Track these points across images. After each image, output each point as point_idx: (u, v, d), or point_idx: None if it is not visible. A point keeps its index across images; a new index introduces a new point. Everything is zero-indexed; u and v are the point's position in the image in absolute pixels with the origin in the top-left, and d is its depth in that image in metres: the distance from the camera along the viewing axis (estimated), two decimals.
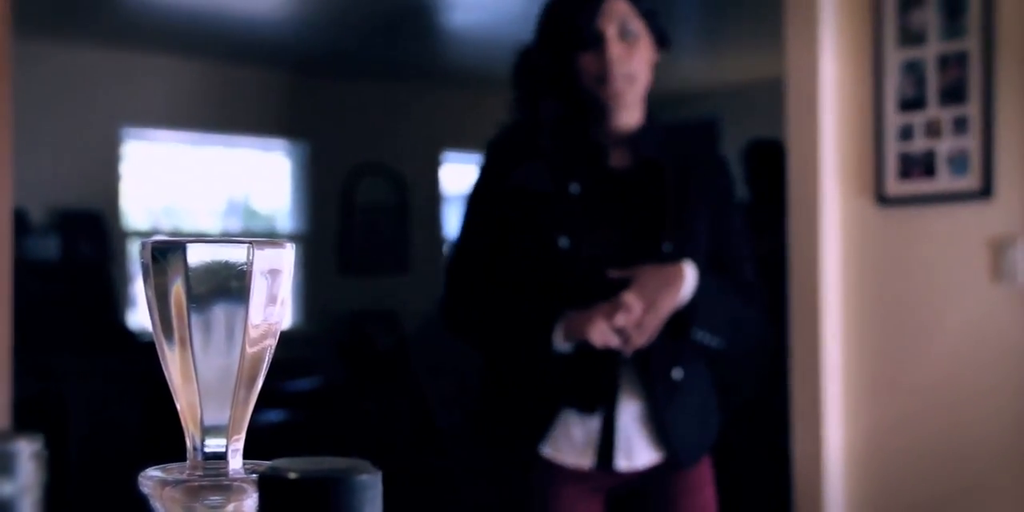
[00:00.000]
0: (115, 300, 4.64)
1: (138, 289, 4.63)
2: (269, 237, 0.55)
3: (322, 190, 5.60)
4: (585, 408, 1.56)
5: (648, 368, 1.57)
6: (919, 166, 2.27)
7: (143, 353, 3.76)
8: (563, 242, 1.56)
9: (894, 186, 2.30)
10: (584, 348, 1.53)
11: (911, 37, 2.28)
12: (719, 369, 1.71)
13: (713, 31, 4.95)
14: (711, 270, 1.59)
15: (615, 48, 1.56)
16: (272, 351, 0.51)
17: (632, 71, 1.58)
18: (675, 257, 1.56)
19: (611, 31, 1.57)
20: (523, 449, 1.58)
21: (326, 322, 5.41)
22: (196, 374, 0.49)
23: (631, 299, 1.49)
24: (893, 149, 2.30)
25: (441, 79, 5.62)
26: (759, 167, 3.56)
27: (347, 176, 5.64)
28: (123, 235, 4.97)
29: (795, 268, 2.41)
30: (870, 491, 2.35)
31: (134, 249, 4.79)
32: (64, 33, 4.57)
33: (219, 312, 0.49)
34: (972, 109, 2.19)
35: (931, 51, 2.25)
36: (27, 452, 0.44)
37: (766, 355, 2.84)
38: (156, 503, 0.48)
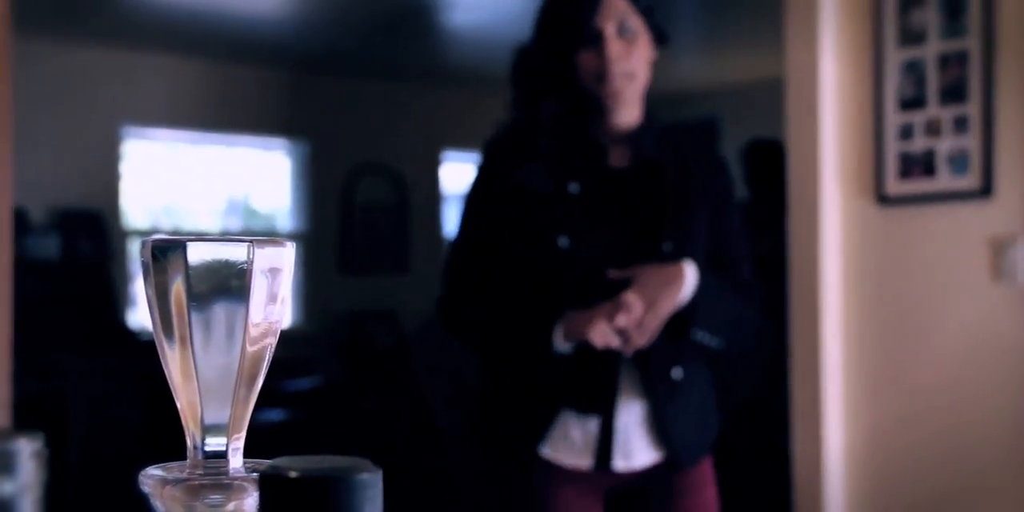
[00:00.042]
0: (115, 299, 4.64)
1: (138, 288, 4.63)
2: (269, 236, 0.55)
3: (322, 189, 5.60)
4: (584, 409, 1.55)
5: (648, 368, 1.57)
6: (919, 165, 2.27)
7: (143, 352, 3.76)
8: (563, 242, 1.56)
9: (894, 185, 2.30)
10: (584, 349, 1.52)
11: (911, 37, 2.28)
12: (719, 369, 1.71)
13: (713, 31, 4.95)
14: (710, 270, 1.59)
15: (614, 46, 1.56)
16: (272, 350, 0.51)
17: (631, 69, 1.58)
18: (675, 256, 1.55)
19: (610, 29, 1.56)
20: (522, 449, 1.58)
21: (326, 321, 5.41)
22: (196, 373, 0.49)
23: (632, 299, 1.48)
24: (893, 148, 2.30)
25: (441, 79, 5.62)
26: (758, 166, 3.56)
27: (347, 175, 5.64)
28: (123, 234, 4.97)
29: (795, 268, 2.41)
30: (870, 491, 2.35)
31: (134, 248, 4.79)
32: (64, 32, 4.57)
33: (219, 311, 0.49)
34: (972, 108, 2.19)
35: (931, 50, 2.25)
36: (27, 451, 0.43)
37: (765, 355, 2.84)
38: (156, 502, 0.48)
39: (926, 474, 2.26)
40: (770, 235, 2.73)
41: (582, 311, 1.52)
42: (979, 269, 2.20)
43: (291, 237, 5.43)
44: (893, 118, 2.30)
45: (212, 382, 0.49)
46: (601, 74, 1.57)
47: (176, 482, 0.48)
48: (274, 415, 4.31)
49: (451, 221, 5.86)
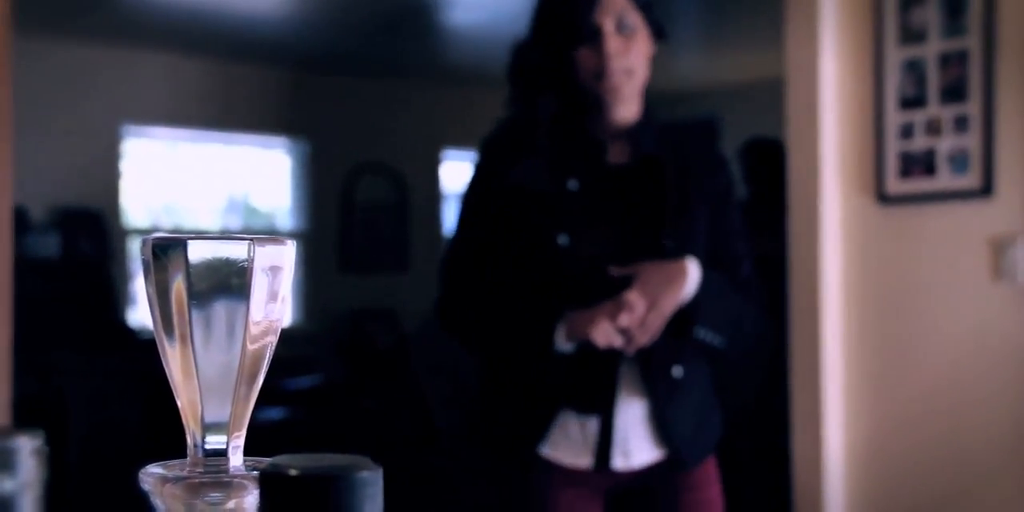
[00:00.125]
0: (116, 298, 4.64)
1: (139, 287, 4.63)
2: (269, 235, 0.55)
3: (322, 188, 5.60)
4: (584, 408, 1.55)
5: (648, 366, 1.56)
6: (920, 165, 2.27)
7: (144, 350, 3.76)
8: (562, 240, 1.55)
9: (894, 185, 2.30)
10: (586, 348, 1.51)
11: (912, 35, 2.27)
12: (720, 368, 1.71)
13: (713, 29, 4.95)
14: (710, 268, 1.58)
15: (613, 42, 1.55)
16: (273, 348, 0.51)
17: (630, 65, 1.57)
18: (676, 253, 1.54)
19: (608, 25, 1.55)
20: (522, 449, 1.57)
21: (326, 320, 5.41)
22: (197, 371, 0.49)
23: (634, 298, 1.47)
24: (894, 148, 2.30)
25: (441, 77, 5.62)
26: (756, 166, 3.56)
27: (347, 174, 5.64)
28: (123, 233, 4.97)
29: (795, 267, 2.41)
30: (870, 492, 2.35)
31: (134, 247, 4.79)
32: (64, 30, 4.56)
33: (220, 309, 0.49)
34: (973, 107, 2.19)
35: (932, 49, 2.25)
36: (28, 448, 0.43)
37: (766, 354, 2.83)
38: (157, 500, 0.48)
39: (926, 475, 2.26)
40: (769, 235, 2.73)
41: (584, 310, 1.50)
42: (979, 269, 2.19)
43: (291, 236, 5.42)
44: (893, 117, 2.30)
45: (212, 380, 0.49)
46: (600, 71, 1.56)
47: (176, 480, 0.48)
48: (274, 414, 4.31)
49: (451, 220, 5.85)
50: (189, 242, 0.48)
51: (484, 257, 1.63)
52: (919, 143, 2.27)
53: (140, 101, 4.98)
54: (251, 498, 0.48)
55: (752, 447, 3.07)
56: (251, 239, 0.49)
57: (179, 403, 0.50)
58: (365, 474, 0.39)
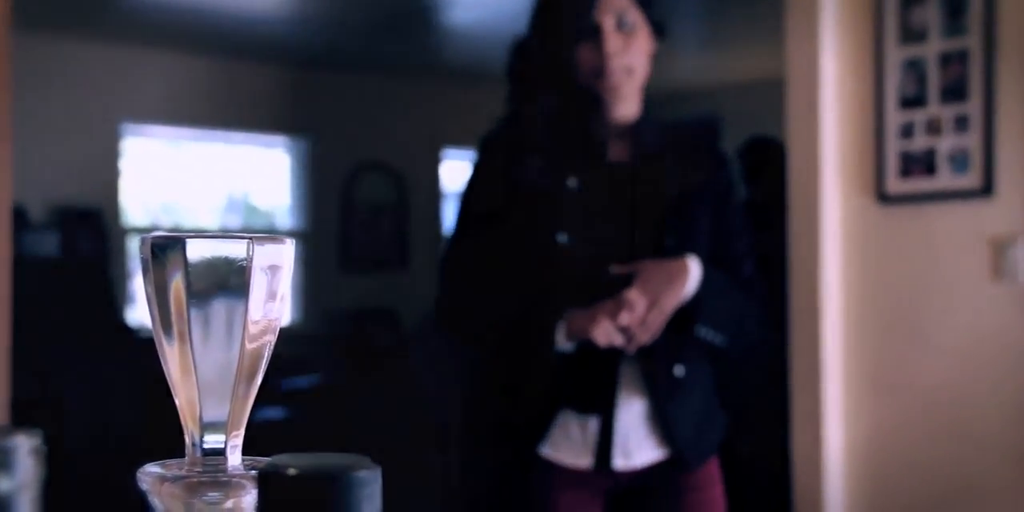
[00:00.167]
0: (114, 297, 4.63)
1: (138, 285, 4.63)
2: (269, 234, 0.55)
3: (322, 187, 5.60)
4: (585, 408, 1.54)
5: (649, 365, 1.55)
6: (920, 164, 2.26)
7: (142, 350, 3.75)
8: (562, 238, 1.54)
9: (895, 184, 2.30)
10: (586, 347, 1.51)
11: (912, 35, 2.27)
12: (721, 367, 1.70)
13: (713, 29, 4.95)
14: (712, 266, 1.57)
15: (613, 40, 1.54)
16: (272, 347, 0.51)
17: (630, 64, 1.56)
18: (677, 251, 1.54)
19: (608, 23, 1.54)
20: (522, 449, 1.57)
21: (326, 320, 5.41)
22: (195, 370, 0.49)
23: (634, 296, 1.47)
24: (894, 147, 2.30)
25: (442, 76, 5.62)
26: (755, 165, 3.56)
27: (347, 173, 5.64)
28: (122, 232, 4.97)
29: (795, 267, 2.41)
30: (870, 491, 2.35)
31: (133, 246, 4.78)
32: (64, 29, 4.56)
33: (219, 308, 0.48)
34: (973, 107, 2.19)
35: (932, 49, 2.24)
36: (25, 448, 0.42)
37: (767, 353, 2.83)
38: (155, 499, 0.48)
39: (926, 474, 2.26)
40: (768, 234, 2.73)
41: (584, 309, 1.50)
42: (980, 268, 2.19)
43: (291, 235, 5.41)
44: (894, 117, 2.30)
45: (211, 379, 0.49)
46: (599, 69, 1.55)
47: (174, 479, 0.48)
48: (273, 413, 4.30)
49: (451, 219, 5.85)
50: (188, 241, 0.48)
51: (483, 256, 1.63)
52: (919, 143, 2.26)
53: (139, 99, 4.97)
54: (249, 498, 0.48)
55: (752, 446, 3.07)
56: (250, 238, 0.48)
57: (177, 402, 0.50)
58: (363, 474, 0.39)
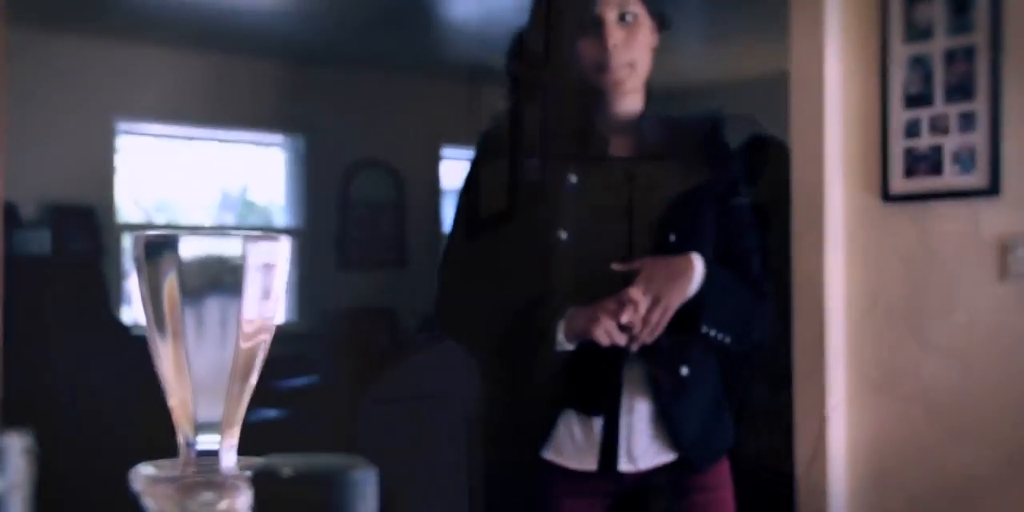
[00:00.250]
0: (108, 295, 4.61)
1: (132, 284, 4.61)
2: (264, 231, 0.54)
3: (319, 185, 5.58)
4: (588, 409, 1.52)
5: (654, 365, 1.52)
6: (925, 163, 2.24)
7: (136, 349, 3.73)
8: (563, 235, 1.52)
9: (899, 183, 2.28)
10: (588, 347, 1.48)
11: (918, 32, 2.25)
12: (729, 367, 1.67)
13: (717, 25, 4.93)
14: (718, 263, 1.54)
15: (615, 34, 1.51)
16: (267, 347, 0.51)
17: (633, 58, 1.53)
18: (681, 248, 1.51)
19: (610, 16, 1.51)
20: (525, 453, 1.54)
21: (323, 319, 5.39)
22: (189, 369, 0.49)
23: (636, 294, 1.44)
24: (899, 145, 2.28)
25: (440, 73, 5.60)
26: (754, 163, 3.54)
27: (344, 170, 5.62)
28: (116, 230, 4.94)
29: (799, 265, 2.39)
30: (873, 491, 2.33)
31: (127, 244, 4.76)
32: (57, 24, 4.53)
33: (213, 306, 0.48)
34: (979, 105, 2.17)
35: (938, 46, 2.22)
36: (17, 447, 0.43)
37: (772, 352, 2.81)
38: (148, 500, 0.48)
39: (930, 475, 2.24)
40: (767, 233, 2.71)
41: (585, 308, 1.47)
42: (985, 268, 2.17)
43: (287, 233, 5.39)
44: (899, 115, 2.27)
45: (205, 379, 0.49)
46: (602, 64, 1.52)
47: (168, 480, 0.48)
48: (269, 414, 4.28)
49: (449, 217, 5.83)
50: (181, 238, 0.47)
51: (482, 254, 1.60)
52: (925, 141, 2.24)
53: (133, 96, 4.95)
54: (244, 498, 0.48)
55: (753, 446, 3.05)
56: (244, 235, 0.48)
57: (171, 402, 0.50)
58: (359, 474, 0.39)
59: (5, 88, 2.09)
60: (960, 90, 2.19)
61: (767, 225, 2.74)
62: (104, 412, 3.95)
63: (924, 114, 2.24)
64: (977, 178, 2.17)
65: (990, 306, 2.17)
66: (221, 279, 0.48)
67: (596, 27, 1.52)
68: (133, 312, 4.71)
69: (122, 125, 5.00)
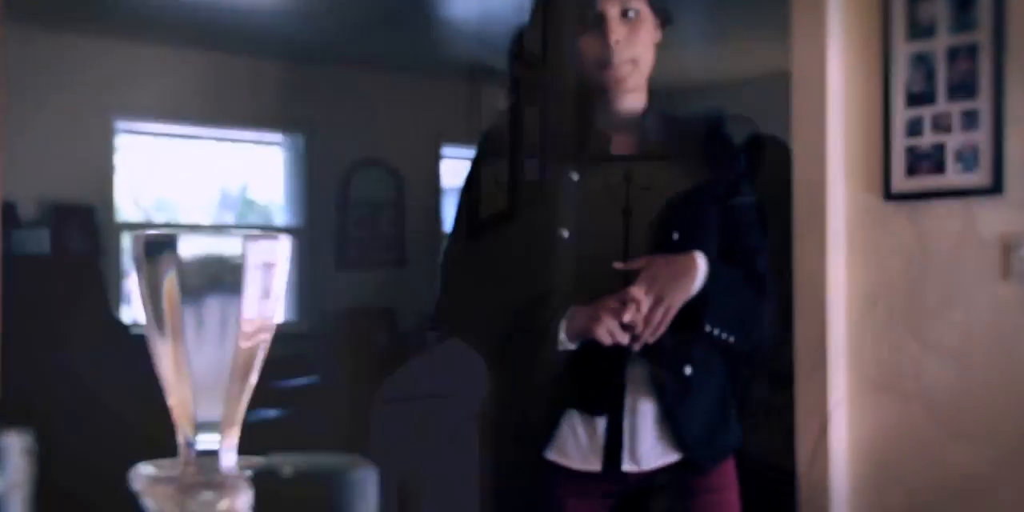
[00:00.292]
0: (107, 295, 4.60)
1: (131, 283, 4.60)
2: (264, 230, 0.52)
3: (319, 184, 5.57)
4: (591, 409, 1.51)
5: (657, 364, 1.51)
6: (928, 161, 2.23)
7: (135, 348, 3.72)
8: (564, 234, 1.51)
9: (901, 182, 2.27)
10: (590, 346, 1.47)
11: (920, 30, 2.24)
12: (734, 366, 1.66)
13: (718, 23, 4.92)
14: (722, 262, 1.53)
15: (617, 31, 1.50)
16: (267, 346, 0.51)
17: (635, 55, 1.52)
18: (684, 246, 1.49)
19: (613, 12, 1.50)
20: (528, 453, 1.53)
21: (323, 318, 5.39)
22: (189, 369, 0.49)
23: (638, 293, 1.42)
24: (901, 144, 2.27)
25: (440, 73, 5.59)
26: (754, 162, 3.54)
27: (344, 169, 5.61)
28: (116, 229, 4.94)
29: (800, 264, 2.38)
30: (874, 491, 2.33)
31: (127, 243, 4.76)
32: (56, 23, 4.53)
33: (212, 306, 0.48)
34: (982, 103, 2.16)
35: (940, 44, 2.21)
36: (17, 447, 0.43)
37: (774, 351, 2.81)
38: (147, 500, 0.47)
39: (930, 472, 2.24)
40: (772, 231, 2.70)
41: (586, 307, 1.46)
42: (988, 268, 2.17)
43: (287, 232, 5.39)
44: (901, 113, 2.27)
45: (205, 378, 0.49)
46: (604, 60, 1.51)
47: (168, 480, 0.48)
48: (269, 414, 4.28)
49: (450, 216, 5.82)
50: (181, 238, 0.47)
51: (484, 253, 1.60)
52: (927, 140, 2.23)
53: (133, 94, 4.94)
54: (244, 498, 0.48)
55: (753, 445, 3.04)
56: (244, 234, 0.48)
57: (170, 402, 0.50)
58: (359, 473, 0.39)
59: (5, 87, 2.08)
60: (963, 88, 2.18)
61: (765, 225, 2.74)
62: (104, 412, 3.94)
63: (926, 112, 2.23)
64: (980, 177, 2.17)
65: (993, 305, 2.16)
66: (221, 278, 0.48)
67: (598, 23, 1.51)
68: (133, 311, 4.70)
69: (121, 124, 4.99)
